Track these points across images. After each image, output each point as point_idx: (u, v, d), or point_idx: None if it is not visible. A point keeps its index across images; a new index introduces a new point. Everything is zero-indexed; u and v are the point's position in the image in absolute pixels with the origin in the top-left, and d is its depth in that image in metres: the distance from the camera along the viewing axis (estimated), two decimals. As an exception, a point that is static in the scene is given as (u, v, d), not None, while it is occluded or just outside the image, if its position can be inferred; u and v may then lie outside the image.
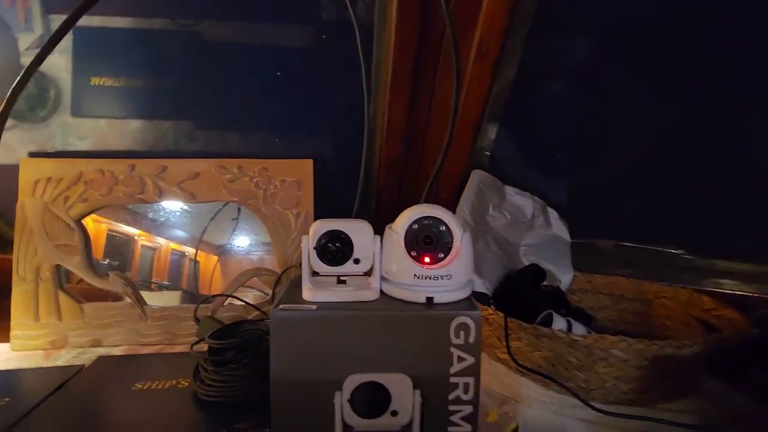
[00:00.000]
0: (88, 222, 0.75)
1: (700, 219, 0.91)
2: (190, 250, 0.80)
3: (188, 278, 0.80)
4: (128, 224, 0.78)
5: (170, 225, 0.80)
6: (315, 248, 0.42)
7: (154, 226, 0.79)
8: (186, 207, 0.79)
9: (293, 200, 0.78)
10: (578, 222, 0.87)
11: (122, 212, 0.78)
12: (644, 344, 0.47)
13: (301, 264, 0.44)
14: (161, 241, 0.79)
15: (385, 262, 0.43)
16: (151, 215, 0.79)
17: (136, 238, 0.78)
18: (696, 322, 0.60)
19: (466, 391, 0.39)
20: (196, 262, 0.81)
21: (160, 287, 0.80)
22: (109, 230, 0.77)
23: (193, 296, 0.80)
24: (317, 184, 0.79)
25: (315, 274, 0.45)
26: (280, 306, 0.39)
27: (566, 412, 0.54)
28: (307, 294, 0.42)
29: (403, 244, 0.42)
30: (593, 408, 0.51)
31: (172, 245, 0.80)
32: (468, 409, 0.40)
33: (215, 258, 0.81)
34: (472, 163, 0.83)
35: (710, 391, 0.56)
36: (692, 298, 0.64)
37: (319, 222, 0.43)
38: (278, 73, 0.76)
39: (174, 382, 0.59)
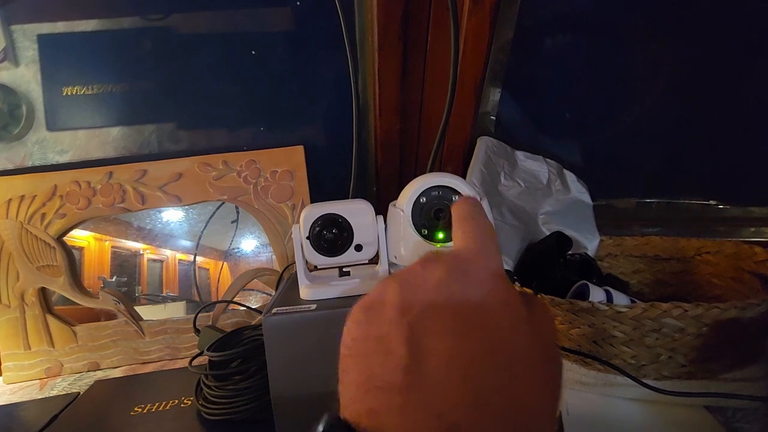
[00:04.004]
0: (90, 240, 0.71)
1: (728, 165, 0.85)
2: (197, 258, 0.76)
3: (198, 287, 0.76)
4: (129, 238, 0.74)
5: (170, 234, 0.75)
6: (308, 238, 0.36)
7: (155, 237, 0.75)
8: (182, 212, 0.74)
9: (287, 191, 0.72)
10: (592, 182, 0.81)
11: (122, 227, 0.74)
12: (703, 309, 0.40)
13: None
14: (167, 252, 0.75)
15: (392, 245, 0.37)
16: (147, 226, 0.75)
17: (141, 251, 0.74)
18: (750, 277, 0.53)
19: (503, 386, 0.33)
20: (205, 269, 0.76)
21: (165, 299, 0.76)
22: (113, 247, 0.73)
23: (198, 305, 0.75)
24: (311, 171, 0.73)
25: (314, 268, 0.38)
26: (273, 310, 0.33)
27: (614, 393, 0.48)
28: (305, 292, 0.36)
29: (410, 222, 0.35)
30: (646, 386, 0.44)
31: (179, 255, 0.75)
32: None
33: (224, 263, 0.76)
34: (477, 129, 0.76)
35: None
36: (741, 250, 0.57)
37: (309, 207, 0.37)
38: (253, 52, 0.70)
39: (176, 401, 0.54)
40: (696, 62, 0.77)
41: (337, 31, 0.63)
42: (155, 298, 0.75)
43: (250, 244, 0.76)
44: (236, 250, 0.76)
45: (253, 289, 0.75)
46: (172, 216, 0.75)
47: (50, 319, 0.67)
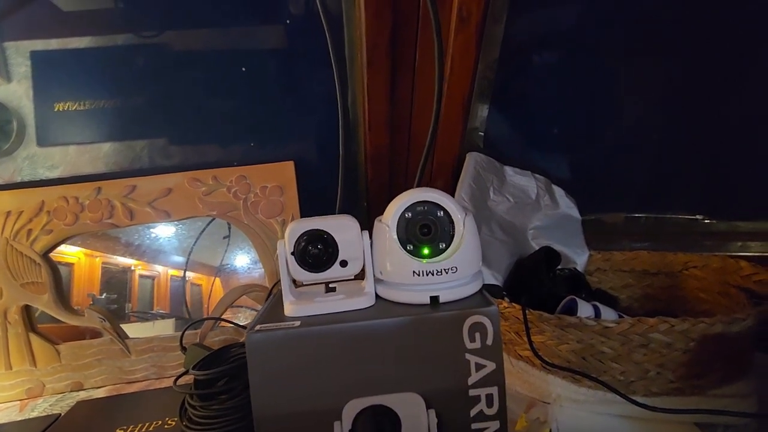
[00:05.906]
0: (80, 256, 0.70)
1: (715, 180, 0.86)
2: (189, 275, 0.75)
3: (190, 304, 0.75)
4: (117, 254, 0.73)
5: (159, 249, 0.74)
6: (293, 253, 0.36)
7: (143, 253, 0.74)
8: (172, 228, 0.74)
9: (277, 207, 0.72)
10: (581, 197, 0.81)
11: (110, 243, 0.73)
12: (689, 323, 0.40)
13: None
14: (159, 268, 0.74)
15: (377, 260, 0.37)
16: (135, 242, 0.74)
17: (132, 268, 0.73)
18: (736, 291, 0.53)
19: (489, 404, 0.33)
20: (197, 285, 0.75)
21: (154, 316, 0.75)
22: (104, 263, 0.73)
23: (188, 323, 0.74)
24: (302, 187, 0.73)
25: (300, 284, 0.38)
26: (257, 327, 0.33)
27: (605, 410, 0.47)
28: (289, 309, 0.35)
29: (395, 238, 0.35)
30: (636, 403, 0.44)
31: (171, 271, 0.75)
32: (494, 425, 0.33)
33: (216, 280, 0.75)
34: (466, 145, 0.76)
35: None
36: (727, 264, 0.58)
37: (294, 222, 0.37)
38: (243, 69, 0.70)
39: (159, 422, 0.53)
40: (682, 78, 0.78)
41: (326, 48, 0.64)
42: (144, 315, 0.74)
43: (242, 259, 0.76)
44: (228, 266, 0.75)
45: (242, 306, 0.74)
46: (162, 232, 0.74)
47: (33, 337, 0.66)
